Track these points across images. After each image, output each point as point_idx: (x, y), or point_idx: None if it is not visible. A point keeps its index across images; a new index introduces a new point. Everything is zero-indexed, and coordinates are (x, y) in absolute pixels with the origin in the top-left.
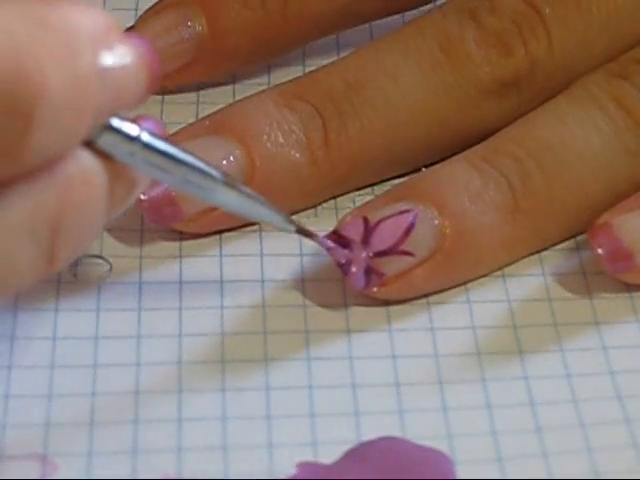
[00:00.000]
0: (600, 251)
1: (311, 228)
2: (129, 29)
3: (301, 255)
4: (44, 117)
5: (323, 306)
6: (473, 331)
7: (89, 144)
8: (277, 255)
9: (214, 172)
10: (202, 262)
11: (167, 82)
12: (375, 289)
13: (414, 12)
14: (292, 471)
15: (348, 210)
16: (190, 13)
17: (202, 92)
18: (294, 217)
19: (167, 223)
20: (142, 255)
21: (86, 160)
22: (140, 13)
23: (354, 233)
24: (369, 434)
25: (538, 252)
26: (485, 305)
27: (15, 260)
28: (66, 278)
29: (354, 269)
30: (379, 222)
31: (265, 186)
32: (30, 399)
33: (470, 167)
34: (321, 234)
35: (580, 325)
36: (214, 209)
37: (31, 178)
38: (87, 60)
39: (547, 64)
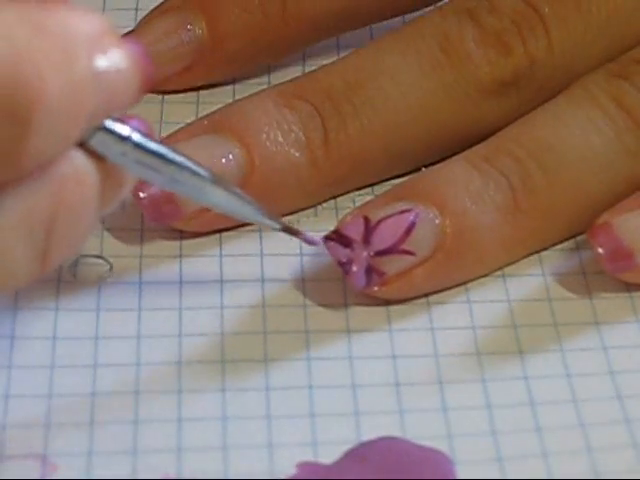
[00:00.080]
0: (600, 251)
1: (311, 228)
2: (129, 32)
3: (301, 255)
4: (41, 122)
5: (323, 306)
6: (473, 331)
7: (81, 144)
8: (277, 255)
9: (203, 172)
10: (202, 262)
11: (167, 85)
12: (376, 288)
13: (414, 13)
14: (292, 471)
15: (348, 210)
16: (190, 17)
17: (202, 92)
18: (294, 217)
19: (167, 221)
20: (142, 255)
21: (79, 160)
22: (140, 13)
23: (355, 232)
24: (369, 434)
25: (538, 252)
26: (485, 305)
27: (9, 260)
28: (66, 278)
29: (355, 268)
30: (380, 221)
31: (264, 185)
32: (30, 399)
33: (470, 167)
34: (321, 234)
35: (580, 325)
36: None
37: (25, 179)
38: (83, 65)
39: (546, 64)
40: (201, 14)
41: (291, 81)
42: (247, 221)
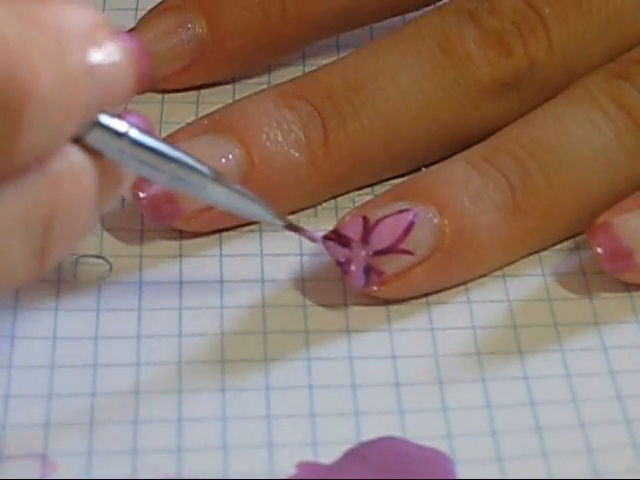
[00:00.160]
0: (600, 250)
1: (311, 228)
2: (129, 31)
3: (301, 255)
4: (34, 115)
5: (323, 306)
6: (473, 331)
7: (78, 140)
8: (277, 255)
9: (203, 168)
10: (202, 262)
11: (167, 84)
12: (375, 288)
13: (414, 13)
14: (292, 471)
15: (348, 210)
16: (190, 16)
17: (202, 92)
18: (294, 217)
19: (167, 221)
20: (142, 255)
21: (75, 157)
22: (140, 13)
23: (353, 232)
24: (369, 434)
25: (538, 252)
26: (485, 305)
27: (6, 258)
28: (66, 278)
29: (354, 268)
30: (378, 221)
31: (264, 185)
32: (30, 399)
33: (470, 167)
34: (321, 234)
35: (580, 325)
36: (213, 207)
37: (21, 176)
38: (76, 58)
39: (547, 64)
40: (201, 13)
41: (291, 81)
42: (249, 218)
